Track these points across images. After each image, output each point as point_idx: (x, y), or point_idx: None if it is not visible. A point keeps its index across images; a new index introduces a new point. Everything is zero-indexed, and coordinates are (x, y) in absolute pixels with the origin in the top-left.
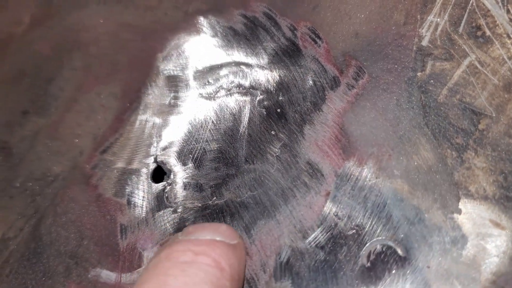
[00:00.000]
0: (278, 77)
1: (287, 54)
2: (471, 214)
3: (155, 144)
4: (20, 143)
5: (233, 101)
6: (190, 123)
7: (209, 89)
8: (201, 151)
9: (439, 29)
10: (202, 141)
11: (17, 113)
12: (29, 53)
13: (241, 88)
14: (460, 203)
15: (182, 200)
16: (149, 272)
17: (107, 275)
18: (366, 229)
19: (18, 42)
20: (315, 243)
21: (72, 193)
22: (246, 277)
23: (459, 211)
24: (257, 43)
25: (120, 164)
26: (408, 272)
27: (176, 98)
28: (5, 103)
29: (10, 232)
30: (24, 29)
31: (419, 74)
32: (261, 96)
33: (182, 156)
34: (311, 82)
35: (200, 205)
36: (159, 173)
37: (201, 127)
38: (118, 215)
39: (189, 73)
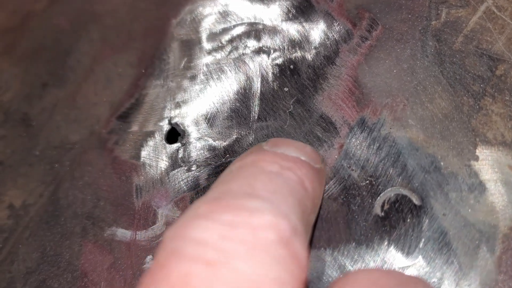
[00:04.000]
0: (291, 34)
1: (300, 11)
2: (488, 160)
3: (169, 107)
4: (39, 115)
5: (246, 61)
6: (203, 85)
7: (222, 50)
8: (214, 111)
9: None
10: (215, 101)
11: (37, 86)
12: (48, 28)
13: (254, 47)
14: (477, 150)
15: (196, 159)
16: (234, 174)
17: (123, 233)
18: (380, 180)
19: (37, 18)
20: (328, 195)
21: (89, 158)
22: None
23: (476, 158)
24: (269, 2)
25: (135, 128)
26: (423, 220)
27: (189, 61)
28: (26, 77)
29: (30, 199)
30: (43, 6)
31: (433, 22)
32: (274, 54)
33: (196, 117)
34: (324, 36)
35: (213, 163)
36: (173, 135)
37: (214, 87)
38: (134, 176)
39: (203, 36)
